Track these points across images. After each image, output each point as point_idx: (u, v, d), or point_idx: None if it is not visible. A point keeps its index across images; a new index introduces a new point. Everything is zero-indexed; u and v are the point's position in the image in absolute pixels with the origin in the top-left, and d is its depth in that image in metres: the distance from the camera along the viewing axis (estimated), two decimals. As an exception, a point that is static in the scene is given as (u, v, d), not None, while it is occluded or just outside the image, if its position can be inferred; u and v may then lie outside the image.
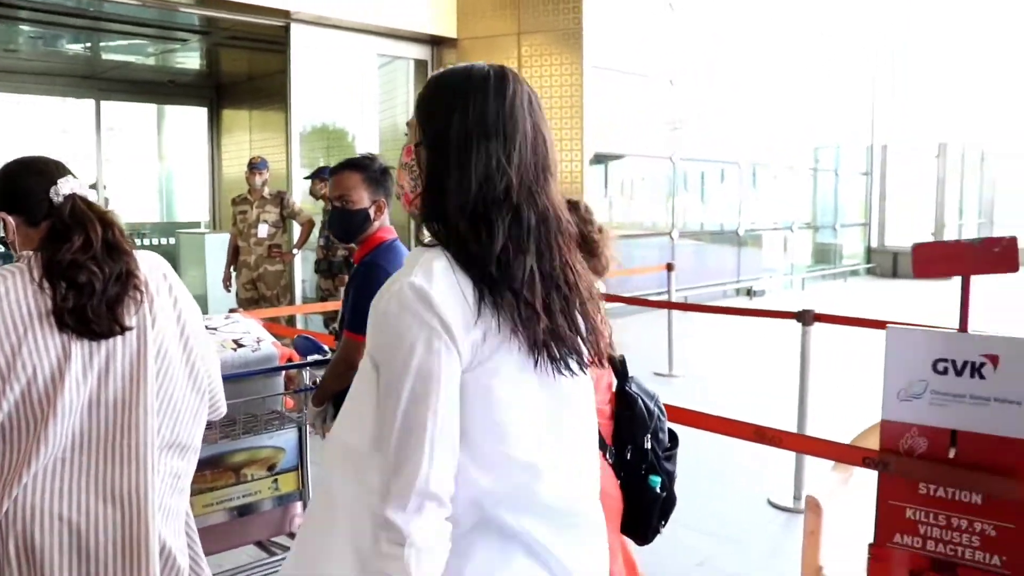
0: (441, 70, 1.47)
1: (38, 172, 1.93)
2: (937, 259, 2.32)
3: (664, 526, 2.06)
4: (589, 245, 2.55)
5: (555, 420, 1.42)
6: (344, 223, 3.05)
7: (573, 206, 2.49)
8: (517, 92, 1.41)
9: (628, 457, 2.41)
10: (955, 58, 19.98)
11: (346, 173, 3.04)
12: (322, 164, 7.96)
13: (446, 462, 1.29)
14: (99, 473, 1.83)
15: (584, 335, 1.44)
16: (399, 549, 1.24)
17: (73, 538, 1.78)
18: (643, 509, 2.39)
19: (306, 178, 7.58)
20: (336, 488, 1.38)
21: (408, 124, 1.51)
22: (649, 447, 2.38)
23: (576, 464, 1.47)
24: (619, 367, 2.52)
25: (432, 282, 1.30)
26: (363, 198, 3.01)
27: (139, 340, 1.89)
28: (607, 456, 2.37)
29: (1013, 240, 2.24)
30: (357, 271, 3.03)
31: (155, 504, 1.88)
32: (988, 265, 2.24)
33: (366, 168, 3.05)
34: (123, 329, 1.85)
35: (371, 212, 3.02)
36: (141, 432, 1.87)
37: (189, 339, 2.02)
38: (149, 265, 1.98)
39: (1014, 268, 2.26)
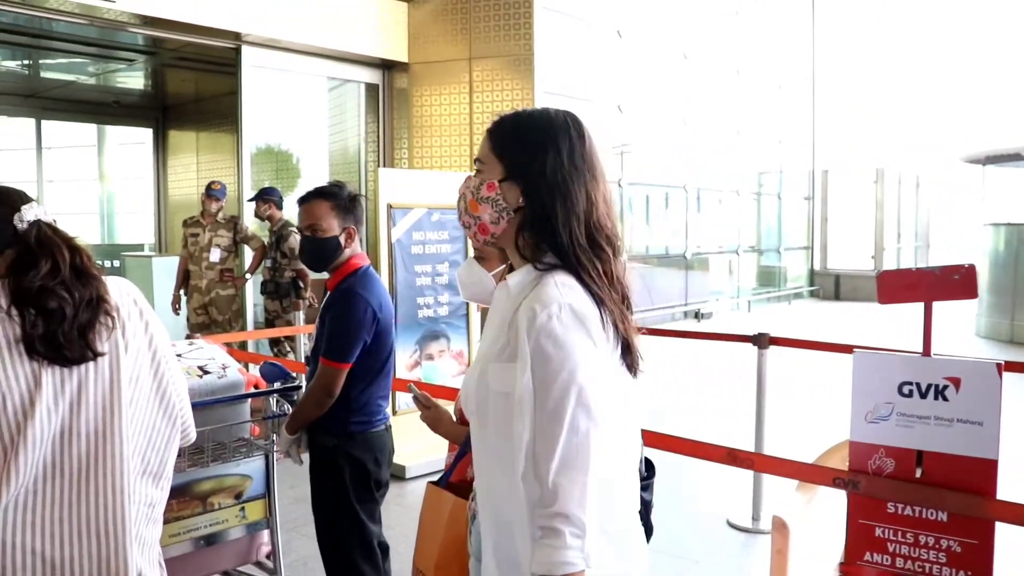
0: (513, 112, 1.65)
1: (0, 201, 1.89)
2: (901, 286, 2.40)
3: None
4: None
5: (626, 419, 1.67)
6: (315, 251, 3.05)
7: None
8: (591, 136, 1.63)
9: None
10: (892, 87, 20.61)
11: (315, 202, 3.04)
12: (267, 186, 7.90)
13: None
14: (74, 505, 1.78)
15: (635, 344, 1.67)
16: (579, 542, 1.43)
17: (48, 573, 1.73)
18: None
19: (250, 200, 7.52)
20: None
21: (480, 160, 1.65)
22: None
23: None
24: None
25: (580, 303, 1.51)
26: (333, 226, 3.02)
27: (112, 367, 1.85)
28: None
29: (972, 268, 2.33)
30: (333, 298, 3.03)
31: (132, 535, 1.85)
32: (949, 292, 2.32)
33: (335, 196, 3.06)
34: (95, 355, 1.81)
35: (342, 239, 3.03)
36: (117, 461, 1.83)
37: (160, 365, 1.98)
38: (119, 291, 1.94)
39: (973, 294, 2.35)
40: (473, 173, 1.67)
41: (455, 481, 2.29)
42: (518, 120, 1.63)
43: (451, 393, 2.80)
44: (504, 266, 2.32)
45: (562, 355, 1.46)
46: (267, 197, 7.23)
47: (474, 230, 1.65)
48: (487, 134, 1.65)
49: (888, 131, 20.08)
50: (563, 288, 1.51)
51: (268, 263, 7.23)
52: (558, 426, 1.45)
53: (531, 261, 1.60)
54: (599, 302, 1.53)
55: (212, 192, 7.35)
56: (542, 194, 1.57)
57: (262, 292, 7.37)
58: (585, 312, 1.50)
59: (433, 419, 2.34)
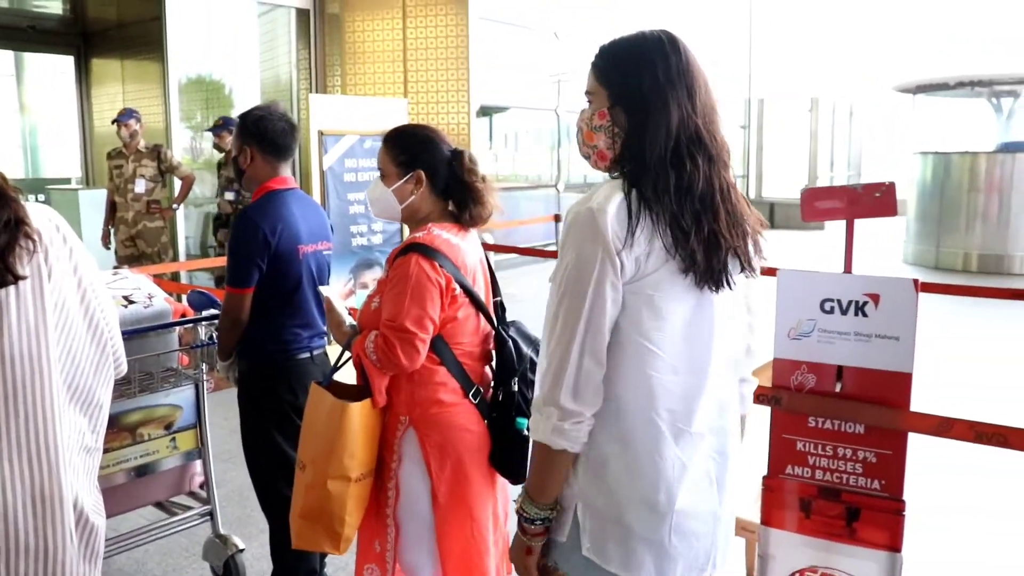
0: (610, 41, 1.72)
1: None
2: (823, 203, 2.44)
3: None
4: (474, 194, 2.52)
5: (702, 332, 1.68)
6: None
7: (457, 155, 2.50)
8: (688, 50, 1.69)
9: (500, 399, 2.43)
10: (827, 15, 20.69)
11: None
12: (218, 117, 7.65)
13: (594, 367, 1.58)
14: (4, 429, 1.76)
15: (743, 249, 1.70)
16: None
17: None
18: (511, 450, 2.43)
19: (207, 130, 7.30)
20: None
21: (589, 92, 1.72)
22: (516, 390, 2.42)
23: (714, 372, 1.70)
24: (498, 311, 2.56)
25: (608, 206, 1.56)
26: (236, 146, 3.01)
27: (35, 292, 1.81)
28: (469, 397, 2.40)
29: (892, 186, 2.37)
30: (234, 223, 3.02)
31: (65, 459, 1.83)
32: (870, 209, 2.37)
33: (240, 116, 3.06)
34: (16, 278, 1.77)
35: (240, 158, 3.00)
36: (46, 386, 1.80)
37: (87, 292, 1.95)
38: (40, 216, 1.89)
39: (893, 212, 2.40)
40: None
41: (336, 383, 2.45)
42: (614, 47, 1.71)
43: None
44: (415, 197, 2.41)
45: (565, 257, 1.58)
46: (230, 126, 6.91)
47: (594, 159, 1.72)
48: (591, 67, 1.73)
49: (824, 59, 20.19)
50: (602, 197, 1.58)
51: (230, 196, 6.99)
52: (554, 332, 1.60)
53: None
54: (648, 210, 1.56)
55: (117, 119, 7.13)
56: (639, 114, 1.63)
57: (223, 226, 7.13)
58: (607, 218, 1.54)
59: (334, 323, 2.52)
